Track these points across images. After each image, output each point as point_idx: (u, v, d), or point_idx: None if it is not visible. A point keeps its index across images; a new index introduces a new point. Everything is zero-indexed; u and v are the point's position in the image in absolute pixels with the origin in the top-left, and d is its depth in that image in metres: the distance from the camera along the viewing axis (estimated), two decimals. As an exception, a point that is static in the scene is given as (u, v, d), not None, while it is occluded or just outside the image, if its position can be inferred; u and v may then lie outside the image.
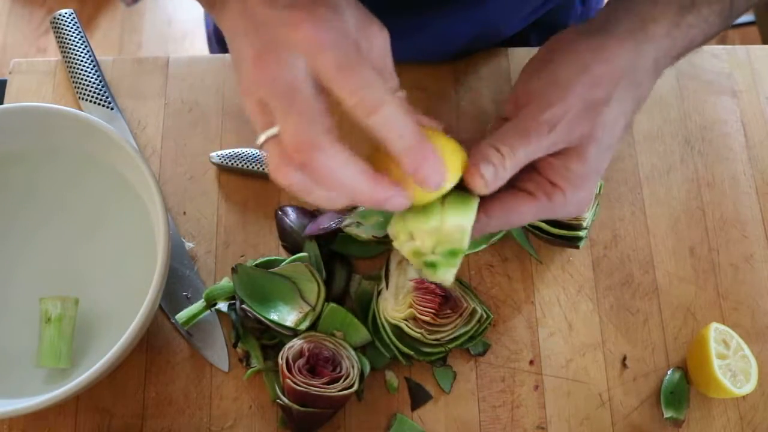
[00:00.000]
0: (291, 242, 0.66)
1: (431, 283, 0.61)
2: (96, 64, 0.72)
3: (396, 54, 0.45)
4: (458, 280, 0.64)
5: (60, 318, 0.59)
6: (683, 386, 0.63)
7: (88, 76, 0.71)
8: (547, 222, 0.64)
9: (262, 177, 0.68)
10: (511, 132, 0.47)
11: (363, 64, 0.38)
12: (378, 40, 0.42)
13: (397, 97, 0.40)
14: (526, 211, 0.50)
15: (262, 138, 0.41)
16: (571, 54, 0.49)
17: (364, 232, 0.64)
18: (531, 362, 0.64)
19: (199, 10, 0.56)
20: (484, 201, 0.49)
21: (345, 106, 0.39)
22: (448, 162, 0.44)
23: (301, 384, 0.57)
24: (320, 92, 0.40)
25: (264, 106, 0.40)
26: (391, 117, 0.39)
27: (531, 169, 0.49)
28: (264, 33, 0.40)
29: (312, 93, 0.39)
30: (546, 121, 0.46)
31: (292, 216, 0.66)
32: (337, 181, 0.40)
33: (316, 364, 0.59)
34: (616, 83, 0.48)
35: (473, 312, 0.62)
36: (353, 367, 0.59)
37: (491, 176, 0.46)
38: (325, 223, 0.64)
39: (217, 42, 0.93)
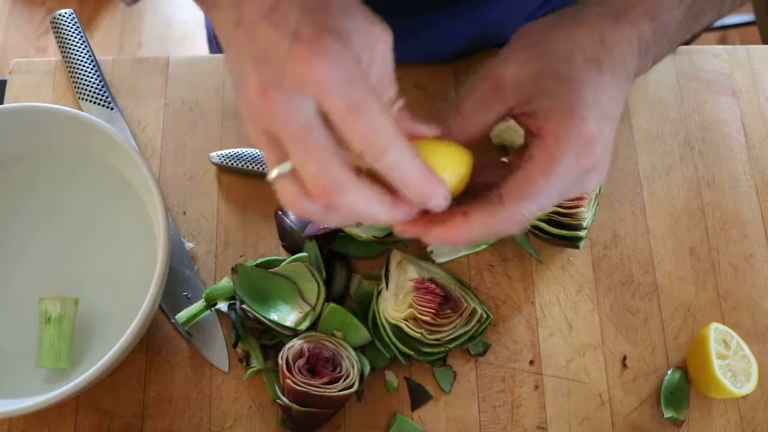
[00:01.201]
0: (291, 242, 0.66)
1: (431, 283, 0.61)
2: (96, 64, 0.72)
3: (396, 55, 0.45)
4: (458, 280, 0.64)
5: (60, 318, 0.59)
6: (683, 386, 0.63)
7: (88, 76, 0.71)
8: (547, 222, 0.64)
9: (262, 177, 0.68)
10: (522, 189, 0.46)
11: (371, 104, 0.39)
12: (380, 45, 0.42)
13: (400, 140, 0.40)
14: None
15: (274, 173, 0.41)
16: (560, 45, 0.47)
17: (364, 232, 0.64)
18: (531, 362, 0.64)
19: (200, 10, 0.56)
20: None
21: (353, 148, 0.39)
22: (453, 170, 0.45)
23: (301, 384, 0.57)
24: (329, 126, 0.40)
25: (274, 141, 0.40)
26: (396, 163, 0.40)
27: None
28: (269, 63, 0.39)
29: (325, 133, 0.39)
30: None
31: (292, 216, 0.66)
32: (358, 213, 0.41)
33: (316, 364, 0.59)
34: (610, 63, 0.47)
35: (473, 312, 0.62)
36: (353, 367, 0.59)
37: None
38: (326, 223, 0.64)
39: (218, 42, 0.93)
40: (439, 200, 0.43)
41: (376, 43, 0.41)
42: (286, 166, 0.40)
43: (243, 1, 0.41)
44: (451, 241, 0.46)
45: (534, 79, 0.46)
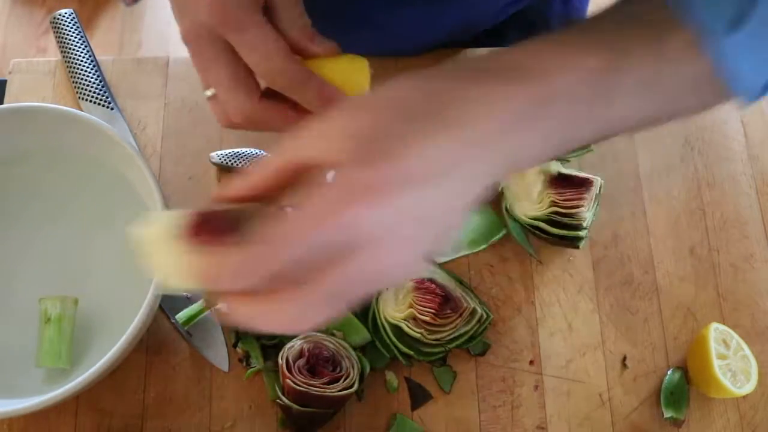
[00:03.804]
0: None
1: (431, 283, 0.61)
2: (96, 64, 0.72)
3: (374, 46, 0.47)
4: (458, 280, 0.64)
5: (60, 318, 0.59)
6: (683, 386, 0.63)
7: (88, 76, 0.71)
8: (547, 222, 0.64)
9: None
10: None
11: (263, 36, 0.46)
12: None
13: (291, 63, 0.47)
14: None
15: (207, 93, 0.49)
16: None
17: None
18: (531, 362, 0.64)
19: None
20: None
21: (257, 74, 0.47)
22: (350, 79, 0.52)
23: (301, 384, 0.57)
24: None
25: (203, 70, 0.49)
26: (289, 83, 0.47)
27: None
28: (187, 10, 0.48)
29: (232, 64, 0.47)
30: None
31: (292, 216, 0.66)
32: (268, 126, 0.50)
33: (316, 364, 0.59)
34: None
35: (473, 312, 0.62)
36: (353, 367, 0.59)
37: None
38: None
39: None
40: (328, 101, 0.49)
41: None
42: (209, 92, 0.49)
43: None
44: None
45: None
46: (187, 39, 0.49)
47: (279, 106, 0.50)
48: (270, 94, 0.50)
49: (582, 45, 0.38)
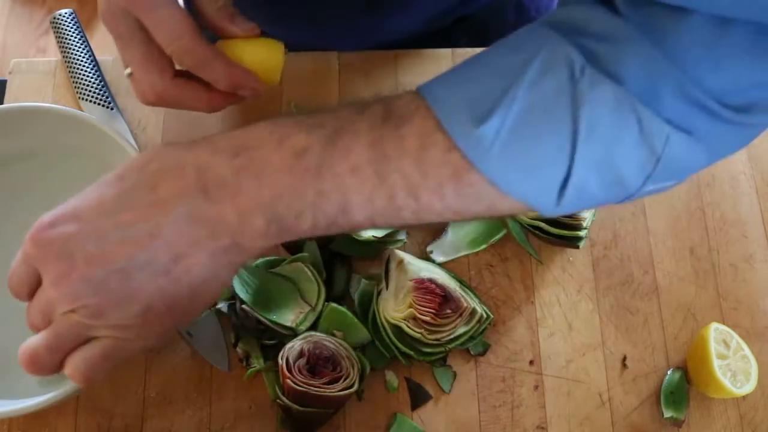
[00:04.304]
0: (291, 242, 0.66)
1: (431, 283, 0.61)
2: (96, 64, 0.72)
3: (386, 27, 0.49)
4: (458, 280, 0.64)
5: None
6: (683, 386, 0.63)
7: (88, 76, 0.71)
8: (547, 222, 0.64)
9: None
10: None
11: (174, 19, 0.49)
12: None
13: (200, 45, 0.50)
14: None
15: (126, 71, 0.53)
16: None
17: (363, 232, 0.64)
18: (531, 362, 0.64)
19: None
20: None
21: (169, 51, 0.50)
22: (263, 62, 0.56)
23: (301, 384, 0.57)
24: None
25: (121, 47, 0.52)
26: (198, 63, 0.51)
27: None
28: None
29: (145, 44, 0.51)
30: None
31: (292, 216, 0.66)
32: (181, 104, 0.54)
33: (316, 364, 0.59)
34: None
35: (473, 312, 0.62)
36: (353, 367, 0.59)
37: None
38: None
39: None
40: (248, 90, 0.54)
41: None
42: (128, 70, 0.52)
43: None
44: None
45: None
46: (104, 18, 0.51)
47: (192, 85, 0.53)
48: (185, 74, 0.53)
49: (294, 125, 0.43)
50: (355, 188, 0.41)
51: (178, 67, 0.54)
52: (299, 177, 0.41)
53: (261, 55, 0.55)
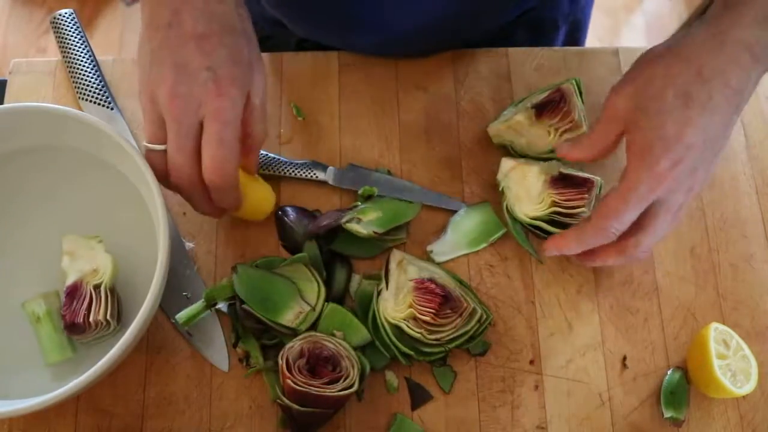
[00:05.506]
0: (291, 242, 0.66)
1: (431, 283, 0.61)
2: (96, 64, 0.73)
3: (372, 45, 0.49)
4: (458, 280, 0.64)
5: (48, 313, 0.60)
6: (683, 386, 0.63)
7: (88, 76, 0.71)
8: (548, 222, 0.64)
9: (261, 177, 0.68)
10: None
11: (229, 143, 0.54)
12: (260, 86, 0.57)
13: (232, 175, 0.56)
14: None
15: (151, 146, 0.56)
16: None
17: (364, 228, 0.64)
18: (531, 362, 0.64)
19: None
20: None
21: (203, 162, 0.55)
22: (262, 204, 0.65)
23: (301, 384, 0.57)
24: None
25: (160, 122, 0.55)
26: (219, 186, 0.56)
27: None
28: (185, 75, 0.53)
29: (194, 140, 0.55)
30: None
31: (292, 216, 0.66)
32: (187, 197, 0.59)
33: (316, 364, 0.59)
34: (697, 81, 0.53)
35: (473, 312, 0.62)
36: (353, 367, 0.59)
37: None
38: (326, 221, 0.64)
39: None
40: (226, 210, 0.61)
41: (259, 86, 0.57)
42: (161, 147, 0.56)
43: (181, 12, 0.54)
44: (558, 248, 0.61)
45: (631, 113, 0.56)
46: (171, 101, 0.55)
47: (201, 186, 0.57)
48: None
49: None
50: None
51: None
52: None
53: (262, 193, 0.65)
